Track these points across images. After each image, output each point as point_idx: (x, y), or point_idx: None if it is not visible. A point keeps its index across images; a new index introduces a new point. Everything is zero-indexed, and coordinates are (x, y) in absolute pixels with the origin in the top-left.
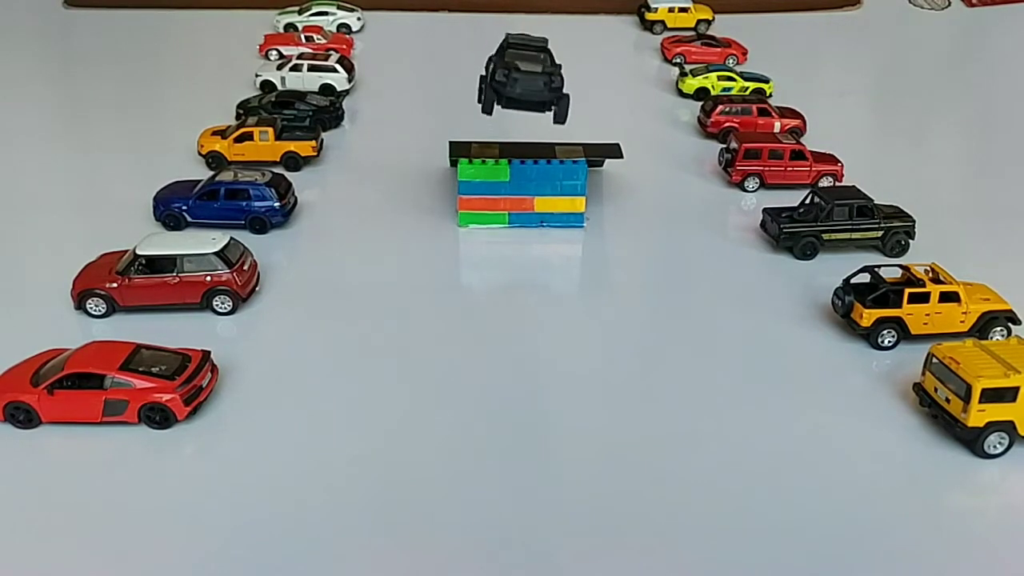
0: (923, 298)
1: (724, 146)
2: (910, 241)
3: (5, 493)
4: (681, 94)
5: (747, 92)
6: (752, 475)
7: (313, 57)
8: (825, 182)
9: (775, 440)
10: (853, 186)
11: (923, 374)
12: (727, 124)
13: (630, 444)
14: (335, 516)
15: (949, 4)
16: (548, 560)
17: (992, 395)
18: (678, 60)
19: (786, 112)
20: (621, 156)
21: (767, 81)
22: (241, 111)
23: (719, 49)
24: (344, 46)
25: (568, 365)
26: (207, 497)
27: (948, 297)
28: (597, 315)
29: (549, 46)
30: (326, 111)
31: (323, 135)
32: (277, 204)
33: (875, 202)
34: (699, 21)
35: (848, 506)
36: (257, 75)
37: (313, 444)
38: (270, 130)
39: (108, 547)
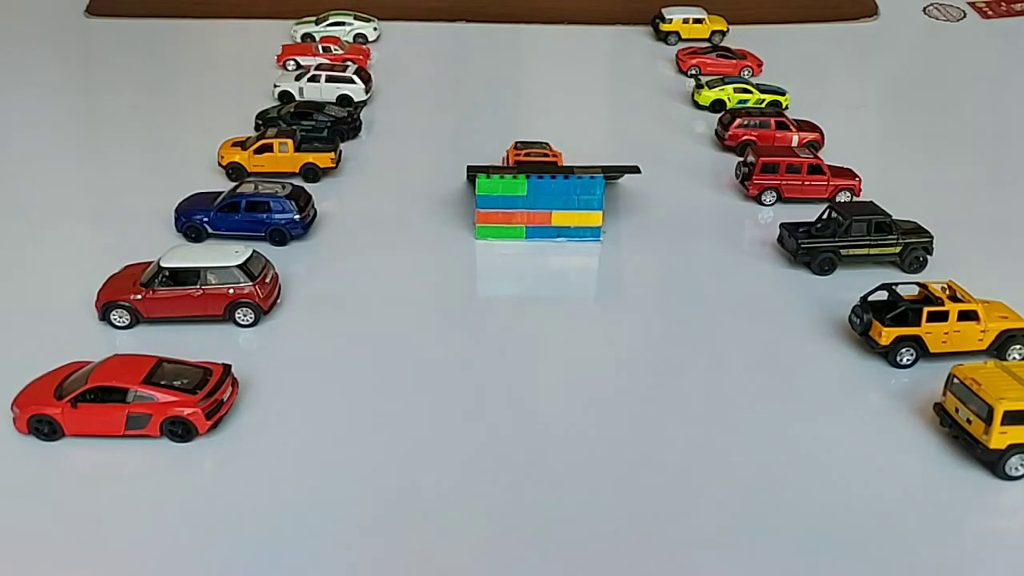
0: (942, 316)
1: (741, 159)
2: (928, 257)
3: (29, 504)
4: (697, 106)
5: (763, 104)
6: (767, 492)
7: (331, 68)
8: (843, 197)
9: (791, 458)
10: (871, 201)
11: (944, 394)
12: (745, 137)
13: (645, 458)
14: (355, 529)
15: (964, 16)
16: (564, 569)
17: (1014, 417)
18: (693, 72)
19: (804, 125)
20: (639, 173)
21: (783, 93)
22: (260, 122)
23: (734, 61)
24: (361, 56)
25: (584, 378)
26: (228, 510)
27: (966, 315)
28: (613, 328)
29: None
30: (344, 122)
31: (341, 146)
32: (297, 216)
33: (893, 218)
34: (713, 32)
35: (866, 526)
36: (275, 85)
37: (332, 457)
38: (289, 142)
39: (129, 558)
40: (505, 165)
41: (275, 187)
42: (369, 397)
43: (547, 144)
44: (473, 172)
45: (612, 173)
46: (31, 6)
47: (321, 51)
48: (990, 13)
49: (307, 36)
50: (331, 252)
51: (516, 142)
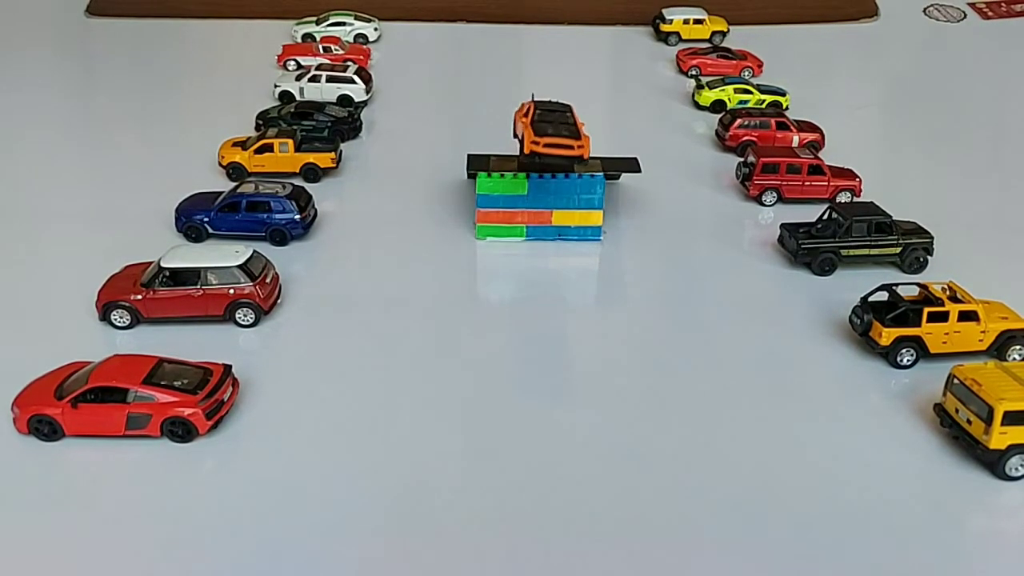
0: (942, 317)
1: (741, 160)
2: (928, 257)
3: (29, 504)
4: (697, 106)
5: (763, 105)
6: (767, 492)
7: (331, 68)
8: (843, 197)
9: (791, 457)
10: (871, 202)
11: (944, 395)
12: (745, 137)
13: (645, 458)
14: (355, 529)
15: (964, 16)
16: (564, 569)
17: (1015, 418)
18: (694, 72)
19: (804, 126)
20: (639, 170)
21: (783, 94)
22: (260, 122)
23: (734, 61)
24: (361, 57)
25: (584, 378)
26: (227, 510)
27: (967, 316)
28: (613, 328)
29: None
30: (344, 122)
31: (341, 146)
32: (297, 216)
33: (893, 218)
34: (714, 33)
35: (866, 526)
36: (276, 85)
37: (332, 457)
38: (290, 142)
39: (129, 558)
40: (522, 118)
41: (275, 187)
42: (369, 397)
43: (570, 107)
44: (474, 168)
45: (612, 172)
46: (31, 6)
47: (322, 51)
48: (990, 14)
49: (308, 36)
50: (331, 252)
51: (535, 101)
